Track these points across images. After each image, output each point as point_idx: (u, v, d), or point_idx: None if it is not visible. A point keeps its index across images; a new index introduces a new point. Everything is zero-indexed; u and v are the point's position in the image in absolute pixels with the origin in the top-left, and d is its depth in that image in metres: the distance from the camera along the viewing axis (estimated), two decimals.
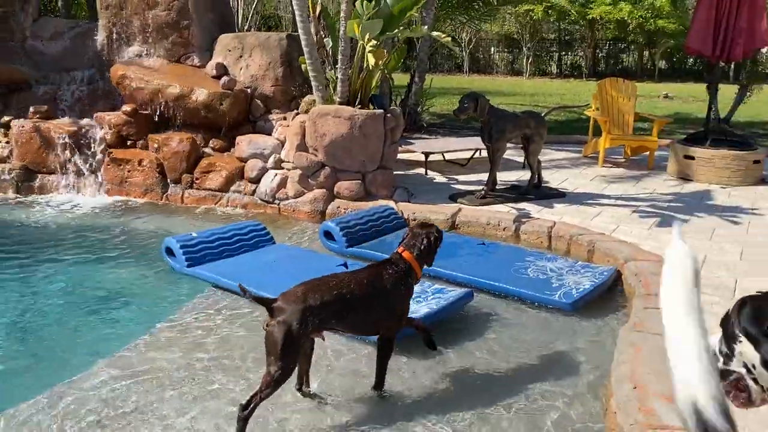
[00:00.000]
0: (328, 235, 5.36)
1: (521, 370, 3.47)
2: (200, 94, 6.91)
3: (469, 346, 3.72)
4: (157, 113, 7.08)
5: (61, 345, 3.75)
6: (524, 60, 31.24)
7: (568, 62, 32.63)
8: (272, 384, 2.71)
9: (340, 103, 6.22)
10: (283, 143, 6.63)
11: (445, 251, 5.00)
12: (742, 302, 1.59)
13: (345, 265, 4.57)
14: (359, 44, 6.09)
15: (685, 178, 7.66)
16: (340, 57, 6.05)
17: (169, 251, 4.81)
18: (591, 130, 9.09)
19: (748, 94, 11.19)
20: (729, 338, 1.57)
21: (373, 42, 5.67)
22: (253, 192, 6.53)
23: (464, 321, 4.06)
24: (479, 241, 5.35)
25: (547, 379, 3.36)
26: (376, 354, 3.14)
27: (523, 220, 5.72)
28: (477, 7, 11.37)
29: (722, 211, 6.19)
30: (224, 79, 7.08)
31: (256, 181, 6.55)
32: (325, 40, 6.71)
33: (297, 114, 6.64)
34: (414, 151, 8.16)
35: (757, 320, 1.50)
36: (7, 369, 3.47)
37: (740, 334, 1.53)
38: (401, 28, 6.09)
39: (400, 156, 7.54)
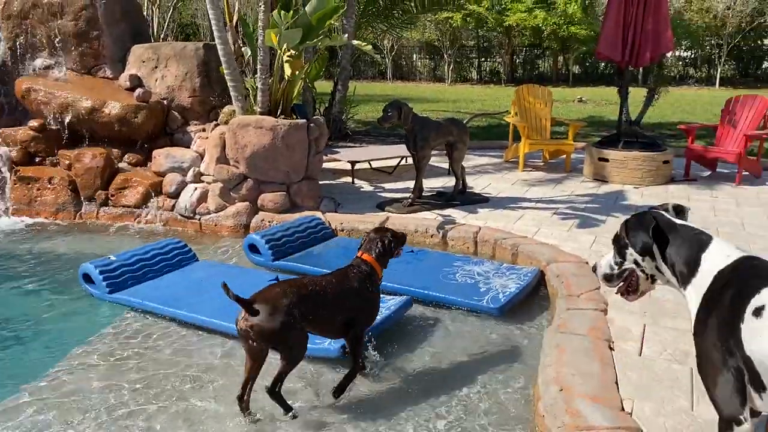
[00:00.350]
0: (253, 248, 5.23)
1: (454, 378, 3.47)
2: (114, 107, 6.62)
3: (402, 355, 3.70)
4: (68, 128, 6.73)
5: None
6: (446, 67, 31.83)
7: (488, 69, 33.51)
8: (291, 363, 2.97)
9: (261, 113, 6.10)
10: (202, 156, 6.44)
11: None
12: (625, 223, 2.38)
13: (276, 279, 4.48)
14: (278, 53, 6.00)
15: (600, 179, 7.96)
16: (259, 67, 5.94)
17: (87, 278, 4.52)
18: (511, 135, 9.32)
19: (655, 97, 11.78)
20: (621, 248, 2.38)
21: (291, 52, 5.59)
22: (173, 207, 6.30)
23: (396, 330, 4.03)
24: (408, 249, 5.35)
25: (479, 385, 3.38)
26: (351, 351, 3.30)
27: (450, 226, 5.77)
28: (397, 15, 11.47)
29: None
30: (139, 90, 6.82)
31: (175, 195, 6.32)
32: (243, 49, 6.57)
33: (217, 125, 6.48)
34: (340, 160, 8.12)
35: (634, 228, 2.31)
36: None
37: (627, 239, 2.34)
38: (321, 37, 6.04)
39: (325, 165, 7.49)
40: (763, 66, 30.69)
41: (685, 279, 2.19)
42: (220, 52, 6.13)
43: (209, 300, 4.16)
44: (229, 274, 4.69)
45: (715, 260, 2.10)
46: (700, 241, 2.17)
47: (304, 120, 6.08)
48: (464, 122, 6.74)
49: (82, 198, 6.49)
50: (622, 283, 2.42)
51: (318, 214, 6.01)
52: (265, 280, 4.48)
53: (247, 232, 6.00)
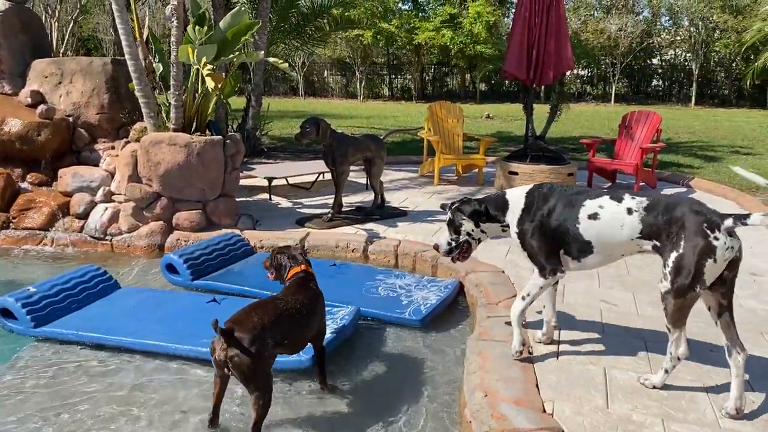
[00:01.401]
0: (171, 268, 5.08)
1: (380, 390, 3.52)
2: (14, 125, 6.27)
3: (328, 371, 3.70)
4: None
5: None
6: (358, 83, 32.15)
7: (399, 85, 34.12)
8: (265, 393, 2.87)
9: (175, 130, 5.96)
10: (112, 174, 6.21)
11: None
12: (456, 210, 3.52)
13: (214, 299, 4.44)
14: (192, 69, 5.90)
15: None
16: (172, 82, 5.81)
17: (6, 312, 4.16)
18: (425, 150, 9.54)
19: (558, 113, 12.41)
20: (456, 228, 3.52)
21: (210, 66, 5.52)
22: (81, 228, 6.02)
23: None
24: (331, 263, 5.37)
25: (404, 396, 3.43)
26: (317, 362, 3.44)
27: (371, 240, 5.84)
28: (310, 32, 11.52)
29: None
30: (41, 107, 6.50)
31: (84, 216, 6.05)
32: (155, 65, 6.40)
33: (127, 142, 6.26)
34: (256, 177, 8.03)
35: (466, 210, 3.50)
36: None
37: (461, 219, 3.49)
38: (236, 53, 5.98)
39: (241, 182, 7.38)
40: (653, 84, 32.97)
41: (504, 212, 3.44)
42: (131, 68, 5.95)
43: (152, 325, 4.06)
44: (162, 299, 4.57)
45: (515, 194, 3.45)
46: (499, 194, 3.55)
47: (220, 136, 5.99)
48: (381, 138, 6.86)
49: None
50: (456, 253, 3.57)
51: (236, 231, 5.92)
52: (200, 302, 4.43)
53: (162, 252, 5.82)
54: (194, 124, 6.09)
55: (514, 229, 3.41)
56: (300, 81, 32.41)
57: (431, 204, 7.53)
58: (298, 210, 7.18)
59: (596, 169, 8.77)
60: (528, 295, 3.39)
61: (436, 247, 3.60)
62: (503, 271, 4.95)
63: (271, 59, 5.98)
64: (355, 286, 4.87)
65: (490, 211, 3.46)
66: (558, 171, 8.20)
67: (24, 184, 6.42)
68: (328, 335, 3.65)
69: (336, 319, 4.07)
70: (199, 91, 5.99)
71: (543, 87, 13.89)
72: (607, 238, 3.14)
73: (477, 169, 9.03)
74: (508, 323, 3.61)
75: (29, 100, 6.75)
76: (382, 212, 6.81)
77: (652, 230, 3.01)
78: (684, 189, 8.73)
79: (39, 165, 6.57)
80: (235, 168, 6.23)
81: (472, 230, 3.51)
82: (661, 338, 3.58)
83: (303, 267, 3.49)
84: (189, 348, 3.76)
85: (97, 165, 6.56)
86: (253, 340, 2.81)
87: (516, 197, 3.42)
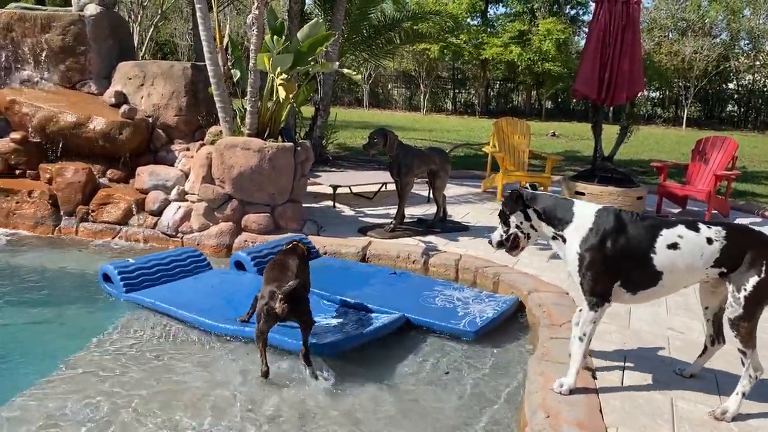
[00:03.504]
0: (239, 265, 5.27)
1: (432, 401, 3.52)
2: (98, 123, 6.60)
3: (381, 377, 3.73)
4: (50, 142, 6.68)
5: None
6: (421, 96, 32.29)
7: (462, 100, 34.07)
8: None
9: (249, 135, 6.15)
10: (187, 175, 6.45)
11: (358, 280, 5.10)
12: (504, 200, 3.40)
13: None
14: (269, 77, 6.08)
15: None
16: (249, 89, 6.01)
17: (106, 278, 4.81)
18: (489, 166, 9.50)
19: (628, 134, 12.15)
20: (505, 219, 3.40)
21: (284, 75, 5.68)
22: (155, 225, 6.27)
23: (374, 351, 4.08)
24: (391, 271, 5.42)
25: (458, 409, 3.43)
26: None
27: (431, 252, 5.86)
28: (380, 44, 11.67)
29: None
30: (124, 107, 6.81)
31: (158, 213, 6.30)
32: (232, 71, 6.63)
33: (203, 145, 6.49)
34: (321, 184, 8.18)
35: (510, 197, 3.35)
36: None
37: (512, 208, 3.34)
38: (312, 63, 6.13)
39: (307, 188, 7.53)
40: (727, 109, 31.84)
41: (564, 223, 3.23)
42: (210, 73, 6.18)
43: (218, 305, 4.50)
44: (239, 282, 5.03)
45: (585, 210, 3.24)
46: (566, 200, 3.34)
47: (292, 144, 6.14)
48: (447, 151, 6.88)
49: (62, 213, 6.41)
50: (507, 247, 3.44)
51: (301, 235, 6.04)
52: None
53: (229, 252, 6.00)
54: (267, 130, 6.26)
55: (574, 249, 3.17)
56: (365, 92, 32.79)
57: (493, 220, 7.46)
58: (360, 218, 7.27)
59: (666, 194, 8.53)
60: (584, 335, 3.23)
61: (490, 242, 3.48)
62: (567, 293, 4.88)
63: (345, 70, 6.11)
64: (412, 294, 4.89)
65: (548, 212, 3.27)
66: (627, 194, 8.03)
67: (103, 180, 6.73)
68: (356, 332, 4.11)
69: (374, 321, 4.28)
70: (274, 99, 6.16)
71: (612, 107, 13.64)
72: (682, 267, 3.08)
73: (542, 188, 8.91)
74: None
75: (113, 100, 7.09)
76: (443, 226, 6.82)
77: (727, 259, 3.03)
78: (759, 219, 8.38)
79: (118, 162, 6.88)
80: (303, 174, 6.37)
81: (521, 223, 3.34)
82: (731, 368, 3.47)
83: (294, 243, 4.29)
84: (236, 328, 4.10)
85: (172, 165, 6.81)
86: (303, 285, 3.67)
87: (585, 213, 3.21)
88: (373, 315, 4.45)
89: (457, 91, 34.13)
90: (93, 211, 6.38)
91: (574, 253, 3.18)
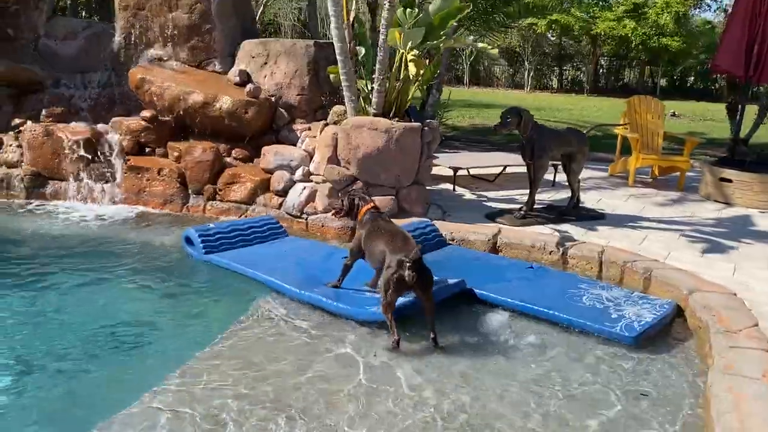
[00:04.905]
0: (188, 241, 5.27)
1: (588, 415, 3.16)
2: (225, 102, 6.58)
3: (533, 377, 3.41)
4: (177, 120, 6.75)
5: (85, 383, 3.31)
6: (526, 73, 31.17)
7: (569, 77, 32.63)
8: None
9: (375, 115, 5.92)
10: (311, 155, 6.31)
11: (493, 274, 4.78)
12: None
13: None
14: (397, 53, 5.81)
15: (721, 201, 7.41)
16: (378, 66, 5.76)
17: (188, 241, 5.17)
18: (619, 148, 8.85)
19: (766, 115, 11.04)
20: None
21: (415, 51, 5.39)
22: (280, 205, 6.20)
23: (511, 351, 3.76)
24: (527, 265, 5.05)
25: (623, 424, 3.05)
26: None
27: (570, 243, 5.43)
28: (498, 19, 11.14)
29: None
30: (250, 86, 6.76)
31: (283, 194, 6.22)
32: (358, 48, 6.41)
33: (326, 125, 6.33)
34: (439, 165, 7.86)
35: None
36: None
37: None
38: (443, 37, 5.80)
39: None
40: None
41: None
42: (337, 50, 5.97)
43: (285, 267, 4.75)
44: (312, 249, 5.30)
45: None
46: None
47: (419, 123, 5.86)
48: (585, 133, 6.38)
49: (190, 191, 6.47)
50: None
51: (427, 220, 5.77)
52: (340, 256, 4.73)
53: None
54: (393, 109, 6.01)
55: None
56: (466, 70, 32.03)
57: (630, 208, 6.93)
58: (483, 203, 6.91)
59: None
60: None
61: None
62: (735, 294, 4.34)
63: (480, 45, 5.74)
64: (555, 292, 4.50)
65: None
66: None
67: (228, 159, 6.72)
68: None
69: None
70: (401, 77, 5.89)
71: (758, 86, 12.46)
72: None
73: (678, 173, 8.20)
74: None
75: (237, 78, 7.06)
76: (577, 213, 6.35)
77: None
78: None
79: (242, 141, 6.86)
80: (429, 156, 6.09)
81: None
82: None
83: (372, 204, 4.20)
84: (308, 294, 4.25)
85: (294, 145, 6.71)
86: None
87: None
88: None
89: (563, 68, 32.67)
90: (220, 190, 6.39)
91: None
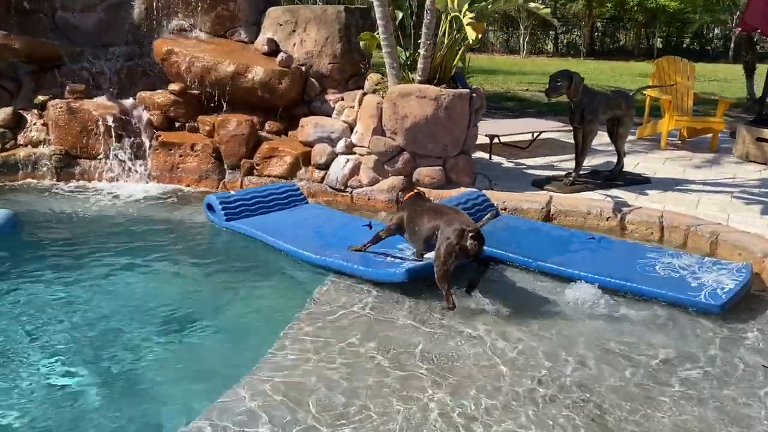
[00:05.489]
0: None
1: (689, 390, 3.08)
2: (257, 73, 6.34)
3: (625, 345, 3.32)
4: (207, 93, 6.51)
5: (171, 374, 3.13)
6: (520, 38, 30.79)
7: (565, 41, 32.31)
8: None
9: (421, 82, 5.73)
10: (351, 126, 6.11)
11: (555, 245, 4.64)
12: None
13: (369, 225, 4.88)
14: (444, 17, 5.61)
15: (757, 161, 7.33)
16: (424, 30, 5.55)
17: (210, 208, 5.19)
18: (647, 110, 8.72)
19: None
20: None
21: (471, 14, 5.19)
22: (322, 179, 6.02)
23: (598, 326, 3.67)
24: (588, 236, 4.92)
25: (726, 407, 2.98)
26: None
27: (626, 209, 5.33)
28: None
29: None
30: (281, 55, 6.52)
31: (325, 167, 6.03)
32: (396, 12, 6.18)
33: (365, 94, 6.12)
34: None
35: None
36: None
37: None
38: None
39: None
40: None
41: None
42: (378, 14, 5.74)
43: (303, 234, 4.77)
44: (331, 217, 5.27)
45: None
46: None
47: (467, 90, 5.68)
48: (632, 95, 6.23)
49: (226, 166, 6.27)
50: None
51: (476, 190, 5.63)
52: (359, 224, 4.99)
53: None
54: (437, 76, 5.81)
55: None
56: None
57: (670, 171, 6.83)
58: (524, 171, 6.78)
59: None
60: None
61: None
62: None
63: (531, 5, 5.54)
64: (625, 262, 4.39)
65: None
66: None
67: (262, 133, 6.51)
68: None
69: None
70: (446, 42, 5.69)
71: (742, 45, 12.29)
72: None
73: (710, 134, 8.10)
74: None
75: (265, 48, 6.81)
76: (624, 178, 6.24)
77: None
78: None
79: (274, 113, 6.65)
80: (475, 124, 5.92)
81: None
82: None
83: (415, 190, 4.40)
84: (326, 259, 4.30)
85: (328, 115, 6.50)
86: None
87: None
88: None
89: (559, 31, 32.30)
90: (258, 164, 6.19)
91: None
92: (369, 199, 5.80)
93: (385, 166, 5.77)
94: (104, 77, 6.84)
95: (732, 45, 26.84)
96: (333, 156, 6.02)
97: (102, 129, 6.26)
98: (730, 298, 3.85)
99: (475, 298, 3.86)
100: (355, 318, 3.67)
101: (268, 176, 6.17)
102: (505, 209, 5.51)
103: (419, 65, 5.69)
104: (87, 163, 6.36)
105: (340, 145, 6.01)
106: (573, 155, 6.16)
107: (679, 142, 8.43)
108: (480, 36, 5.25)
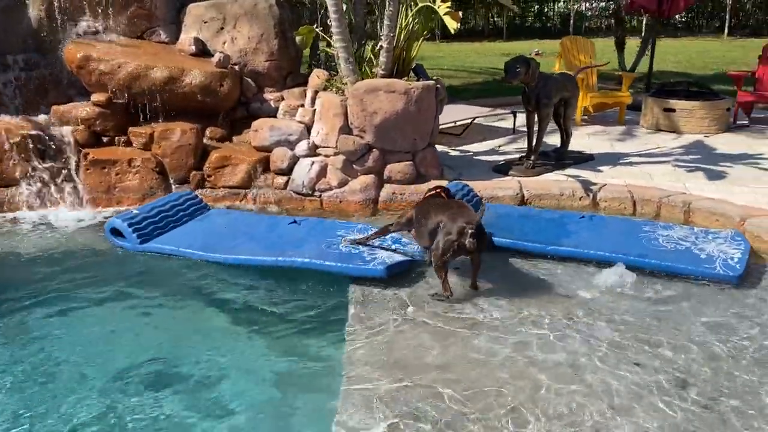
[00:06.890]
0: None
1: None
2: (195, 76, 5.79)
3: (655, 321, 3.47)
4: (136, 102, 5.84)
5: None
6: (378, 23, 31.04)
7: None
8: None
9: (383, 76, 5.54)
10: (308, 127, 5.78)
11: (555, 228, 4.74)
12: None
13: (295, 221, 4.80)
14: (403, 7, 5.46)
15: (665, 130, 7.96)
16: (387, 22, 5.35)
17: (114, 232, 4.66)
18: None
19: (648, 46, 12.02)
20: None
21: (448, 3, 5.08)
22: (285, 185, 5.66)
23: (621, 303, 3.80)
24: (579, 215, 5.05)
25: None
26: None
27: (594, 187, 5.55)
28: None
29: (741, 158, 6.50)
30: (218, 55, 5.99)
31: (287, 172, 5.66)
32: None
33: (316, 92, 5.81)
34: None
35: None
36: None
37: None
38: None
39: None
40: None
41: None
42: (331, 8, 5.46)
43: (244, 242, 4.49)
44: (249, 220, 5.04)
45: None
46: None
47: (433, 82, 5.58)
48: (574, 76, 6.48)
49: (172, 181, 5.68)
50: None
51: (463, 182, 5.57)
52: (284, 223, 4.83)
53: (376, 206, 5.52)
54: (396, 69, 5.66)
55: None
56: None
57: (599, 146, 7.21)
58: (473, 158, 6.84)
59: (744, 105, 8.42)
60: None
61: None
62: None
63: None
64: (628, 238, 4.50)
65: None
66: (717, 106, 7.91)
67: (204, 140, 5.98)
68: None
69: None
70: (404, 33, 5.55)
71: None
72: None
73: (616, 108, 8.68)
74: None
75: (192, 48, 6.23)
76: (571, 157, 6.50)
77: None
78: None
79: (215, 119, 6.13)
80: (438, 115, 5.84)
81: None
82: None
83: (437, 190, 4.36)
84: (289, 260, 4.14)
85: (270, 116, 6.12)
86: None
87: None
88: None
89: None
90: (209, 176, 5.68)
91: None
92: (341, 202, 5.54)
93: (354, 166, 5.54)
94: (6, 91, 5.89)
95: (571, 22, 28.99)
96: (295, 159, 5.67)
97: (16, 150, 5.40)
98: (743, 266, 4.03)
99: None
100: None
101: (223, 187, 5.70)
102: (481, 198, 5.51)
103: (381, 58, 5.50)
104: (3, 192, 5.46)
105: (302, 148, 5.67)
106: (506, 138, 6.30)
107: (586, 117, 8.94)
108: (458, 25, 5.16)
